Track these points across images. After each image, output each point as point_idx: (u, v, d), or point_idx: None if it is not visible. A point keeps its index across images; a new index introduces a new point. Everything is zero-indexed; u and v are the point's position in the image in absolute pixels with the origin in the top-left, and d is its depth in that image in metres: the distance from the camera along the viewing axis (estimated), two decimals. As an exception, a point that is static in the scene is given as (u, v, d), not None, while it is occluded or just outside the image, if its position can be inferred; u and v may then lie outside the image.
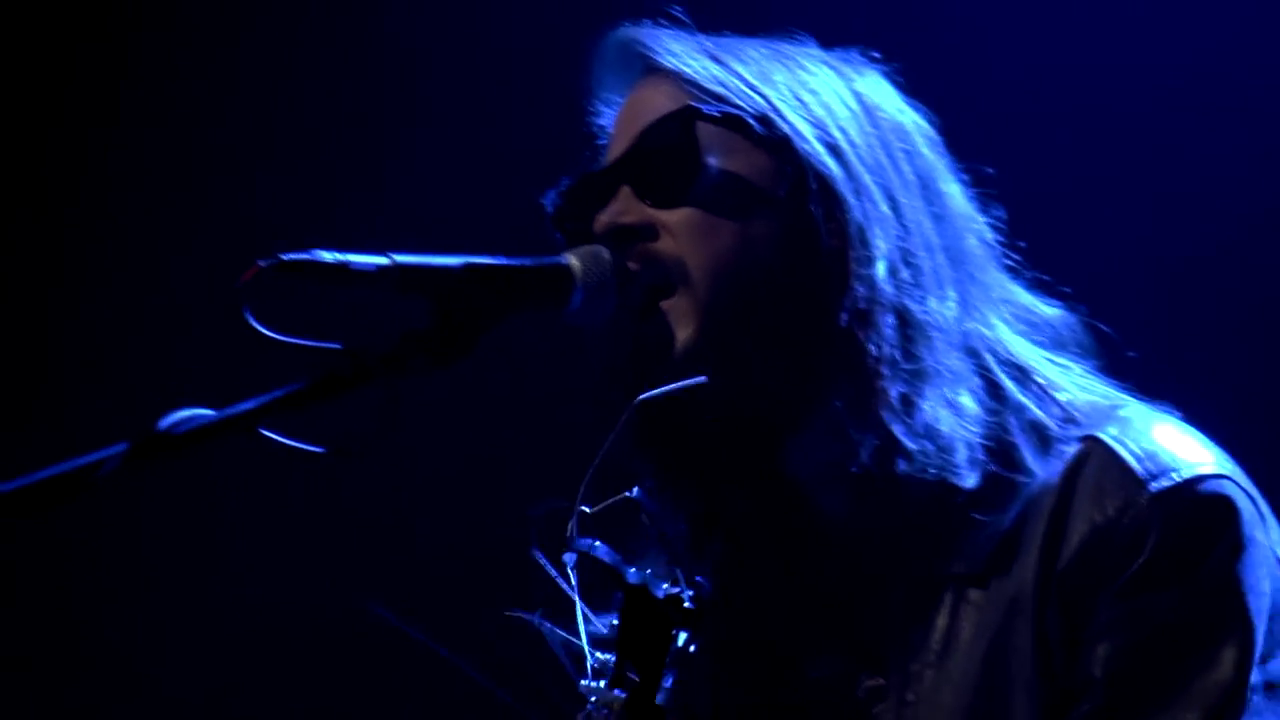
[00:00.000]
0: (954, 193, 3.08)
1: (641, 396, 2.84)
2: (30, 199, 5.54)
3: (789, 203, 2.96)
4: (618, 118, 3.14)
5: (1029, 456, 2.93)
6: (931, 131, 3.12)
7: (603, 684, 2.52)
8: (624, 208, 3.01)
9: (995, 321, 3.03)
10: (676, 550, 2.56)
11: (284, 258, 2.73)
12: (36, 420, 5.29)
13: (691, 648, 2.47)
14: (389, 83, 5.48)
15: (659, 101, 3.05)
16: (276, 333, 2.75)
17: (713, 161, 2.99)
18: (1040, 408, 2.98)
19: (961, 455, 2.90)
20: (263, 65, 5.53)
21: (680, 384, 2.85)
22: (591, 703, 2.53)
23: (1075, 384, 3.04)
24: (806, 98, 3.02)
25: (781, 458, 2.94)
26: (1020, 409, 2.97)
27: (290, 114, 5.49)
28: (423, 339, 2.81)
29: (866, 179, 2.97)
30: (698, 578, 2.52)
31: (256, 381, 2.76)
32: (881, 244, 2.94)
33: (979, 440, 2.92)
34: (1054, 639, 2.85)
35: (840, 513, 2.95)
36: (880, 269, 2.92)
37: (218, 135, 5.51)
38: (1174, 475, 2.87)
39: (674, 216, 2.98)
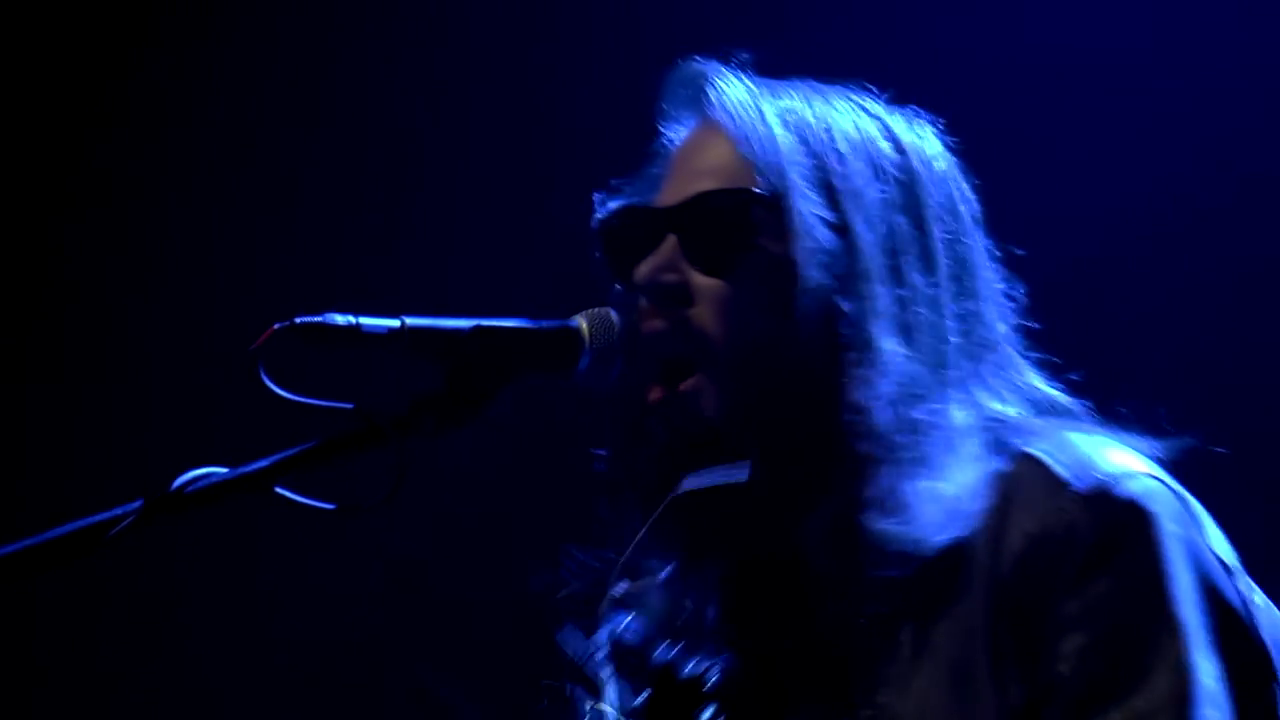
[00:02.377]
0: (987, 278, 3.12)
1: (684, 488, 2.91)
2: (47, 256, 5.59)
3: (810, 297, 2.99)
4: (678, 154, 3.17)
5: (969, 478, 2.98)
6: (976, 205, 3.15)
7: None
8: (667, 263, 3.04)
9: (1003, 409, 3.07)
10: (702, 627, 2.59)
11: (298, 321, 2.79)
12: (51, 477, 5.35)
13: None
14: (404, 141, 5.53)
15: (719, 159, 3.08)
16: (291, 392, 2.80)
17: (758, 243, 3.02)
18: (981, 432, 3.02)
19: (938, 527, 2.95)
20: (281, 124, 5.58)
21: (723, 479, 2.91)
22: None
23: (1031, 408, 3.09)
24: (837, 182, 3.04)
25: (790, 534, 2.99)
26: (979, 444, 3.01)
27: (309, 171, 5.55)
28: (433, 401, 2.86)
29: (882, 285, 3.00)
30: (722, 654, 2.55)
31: (270, 441, 2.82)
32: (887, 347, 2.97)
33: (958, 507, 2.97)
34: (1008, 653, 2.87)
35: (826, 569, 2.99)
36: (879, 375, 2.96)
37: (238, 192, 5.57)
38: (1097, 475, 2.91)
39: (713, 287, 3.02)
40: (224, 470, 2.76)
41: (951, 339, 3.03)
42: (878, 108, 3.16)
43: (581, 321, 3.00)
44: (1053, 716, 2.84)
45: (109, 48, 5.62)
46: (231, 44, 5.60)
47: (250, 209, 5.57)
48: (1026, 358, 3.14)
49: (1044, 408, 3.11)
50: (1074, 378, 3.15)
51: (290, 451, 2.79)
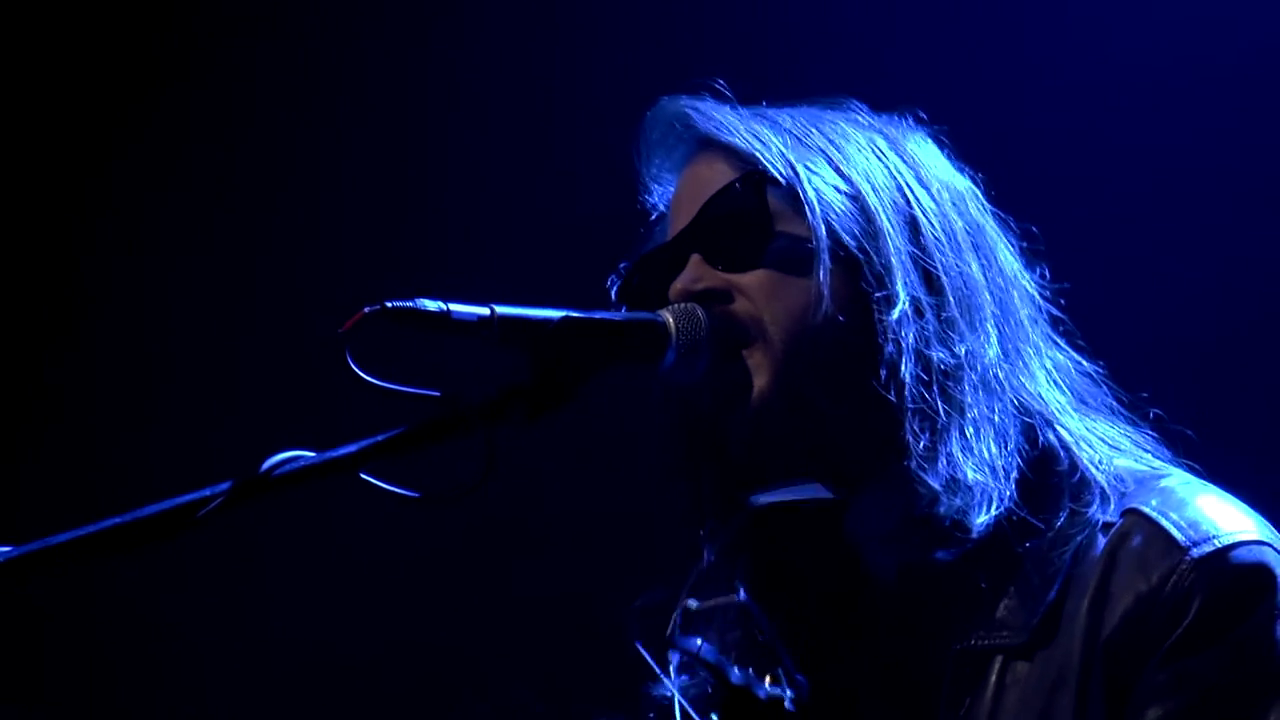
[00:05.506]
0: (1001, 250, 3.13)
1: (760, 500, 2.92)
2: (138, 241, 5.57)
3: (835, 264, 3.00)
4: (677, 193, 3.19)
5: (1075, 530, 2.97)
6: (979, 192, 3.17)
7: None
8: (697, 274, 3.06)
9: (1036, 371, 3.06)
10: (778, 648, 2.56)
11: (388, 305, 2.76)
12: (141, 459, 5.33)
13: None
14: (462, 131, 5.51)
15: (720, 171, 3.10)
16: (377, 378, 2.77)
17: (780, 225, 3.04)
18: (1086, 480, 3.02)
19: (983, 503, 2.94)
20: (379, 110, 5.56)
21: (800, 495, 2.91)
22: None
23: (1114, 449, 3.08)
24: (837, 158, 3.07)
25: (843, 519, 2.97)
26: (1065, 477, 3.02)
27: (401, 155, 5.52)
28: (520, 391, 2.83)
29: (895, 238, 3.02)
30: (798, 676, 2.52)
31: (353, 426, 2.79)
32: (902, 293, 2.98)
33: (1009, 493, 2.97)
34: (1096, 709, 2.87)
35: (888, 576, 2.99)
36: (896, 314, 2.97)
37: (332, 175, 5.54)
38: (1215, 542, 2.91)
39: (747, 279, 3.03)
40: (311, 454, 2.73)
41: (977, 296, 3.05)
42: (875, 120, 3.19)
43: (668, 316, 2.98)
44: None
45: (143, 38, 5.60)
46: (268, 36, 5.58)
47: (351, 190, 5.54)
48: (1055, 335, 3.15)
49: (1069, 383, 3.11)
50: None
51: (377, 437, 2.76)
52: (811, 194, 3.02)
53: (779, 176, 3.04)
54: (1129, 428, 3.13)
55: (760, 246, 3.04)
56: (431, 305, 2.78)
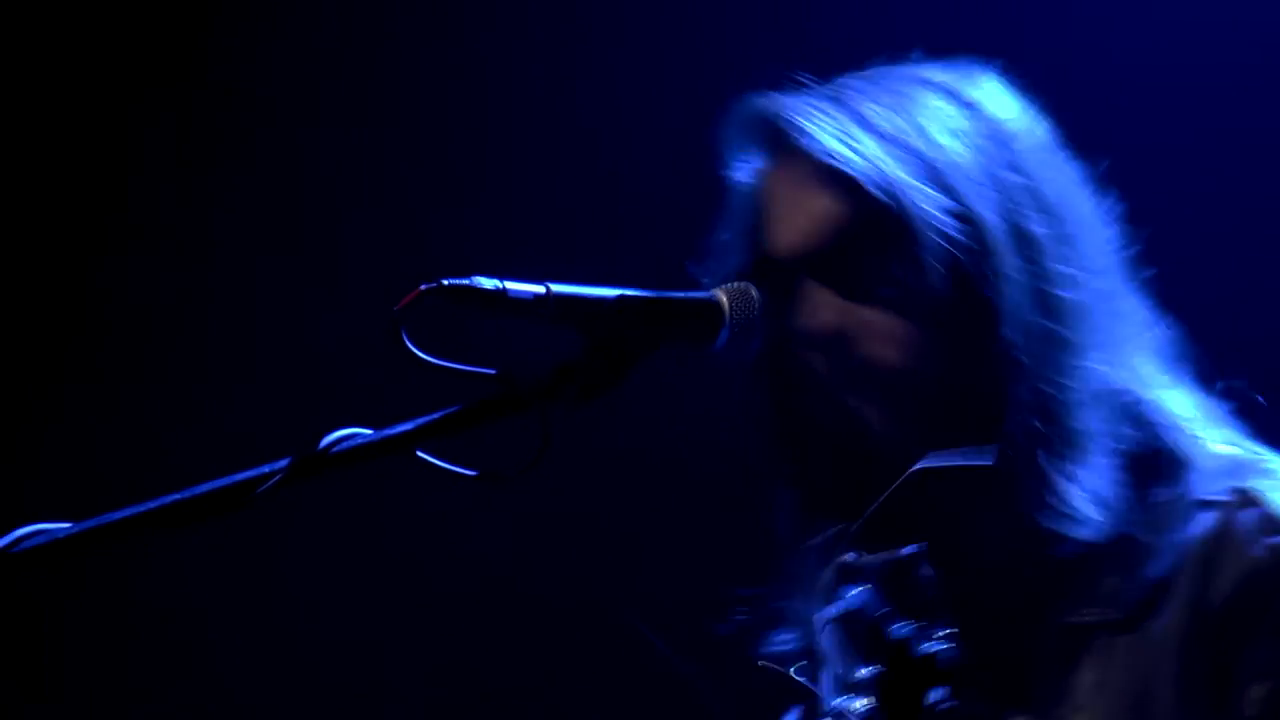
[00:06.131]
0: (1087, 214, 3.08)
1: (921, 464, 2.91)
2: (190, 218, 5.56)
3: (945, 297, 2.98)
4: (772, 196, 3.12)
5: (1180, 508, 2.98)
6: (1078, 166, 3.12)
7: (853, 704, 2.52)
8: (815, 305, 3.02)
9: (1137, 364, 3.05)
10: (936, 607, 2.56)
11: (445, 282, 2.75)
12: (194, 439, 5.33)
13: (942, 706, 2.47)
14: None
15: (822, 193, 3.04)
16: (432, 356, 2.76)
17: (892, 261, 3.00)
18: (1188, 457, 3.02)
19: (1096, 515, 2.94)
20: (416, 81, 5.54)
21: (962, 460, 2.91)
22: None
23: (1211, 427, 3.08)
24: (945, 171, 3.02)
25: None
26: (1167, 455, 3.02)
27: (450, 133, 5.51)
28: (576, 369, 2.82)
29: (1007, 256, 2.98)
30: (953, 638, 2.51)
31: (405, 405, 2.78)
32: (1030, 330, 2.96)
33: (1123, 494, 2.97)
34: (1201, 683, 2.88)
35: (991, 556, 2.99)
36: (1026, 358, 2.95)
37: (378, 155, 5.53)
38: None
39: (864, 314, 3.00)
40: (368, 432, 2.72)
41: (1092, 314, 3.01)
42: (956, 84, 3.12)
43: (721, 295, 2.97)
44: None
45: (179, 23, 5.59)
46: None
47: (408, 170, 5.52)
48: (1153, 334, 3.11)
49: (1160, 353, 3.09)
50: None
51: (433, 415, 2.75)
52: (919, 220, 2.97)
53: (885, 205, 2.99)
54: (1215, 403, 3.12)
55: (876, 281, 3.01)
56: (488, 283, 2.77)
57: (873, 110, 3.06)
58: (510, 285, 2.79)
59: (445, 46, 5.48)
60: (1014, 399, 2.94)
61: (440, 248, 5.29)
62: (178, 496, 2.60)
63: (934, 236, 2.96)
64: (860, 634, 2.54)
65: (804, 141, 3.04)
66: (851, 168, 3.00)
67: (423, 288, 2.74)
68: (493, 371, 2.78)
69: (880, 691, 2.47)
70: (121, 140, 5.57)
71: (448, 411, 2.75)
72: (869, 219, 3.00)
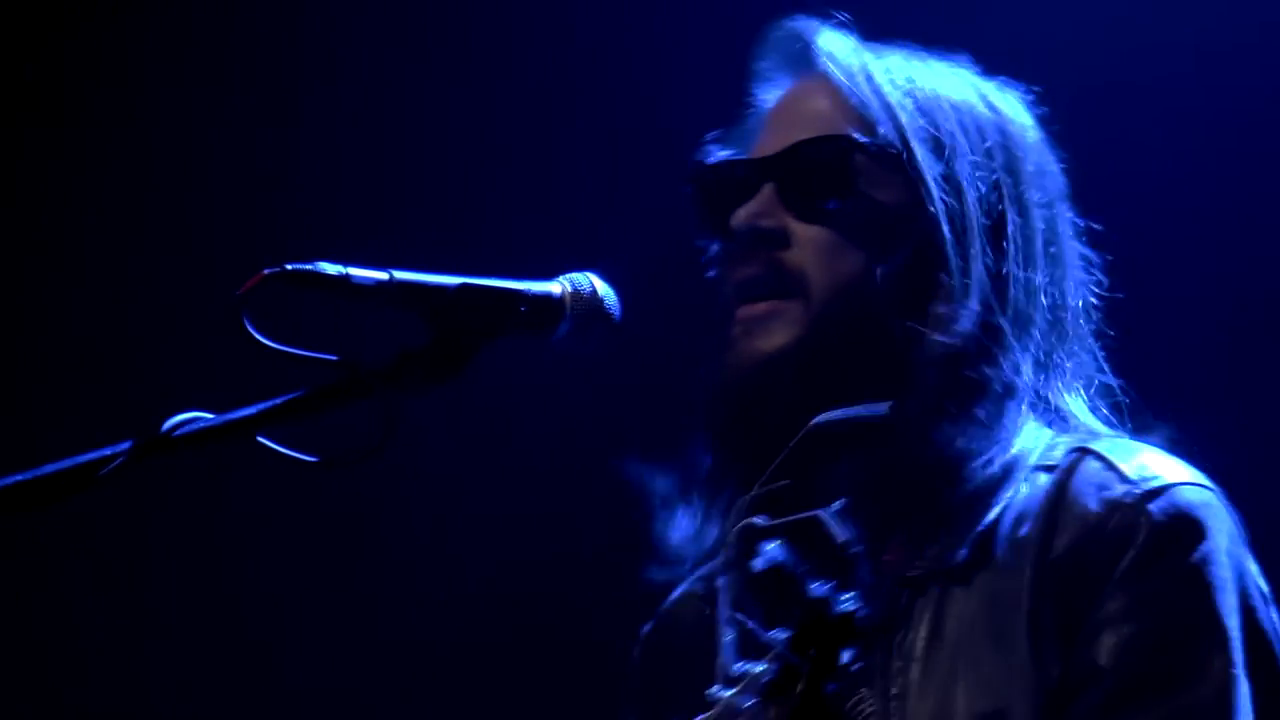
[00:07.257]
0: (1072, 249, 3.21)
1: (820, 419, 2.96)
2: (29, 199, 5.53)
3: (911, 245, 3.08)
4: (776, 108, 3.25)
5: (1020, 464, 3.07)
6: (1064, 178, 3.24)
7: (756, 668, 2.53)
8: (765, 209, 3.12)
9: (1068, 397, 3.16)
10: (853, 564, 2.60)
11: (288, 267, 2.78)
12: (35, 421, 5.31)
13: (854, 666, 2.48)
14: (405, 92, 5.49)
15: (819, 109, 3.17)
16: (274, 341, 2.78)
17: (859, 190, 3.11)
18: (1039, 425, 3.12)
19: (981, 485, 3.04)
20: (274, 67, 5.53)
21: (864, 412, 2.96)
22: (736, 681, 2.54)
23: (1080, 411, 3.18)
24: (945, 139, 3.14)
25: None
26: (1016, 420, 3.10)
27: (300, 117, 5.50)
28: (418, 356, 2.86)
29: (979, 242, 3.09)
30: (866, 594, 2.53)
31: (254, 389, 2.80)
32: (976, 306, 3.06)
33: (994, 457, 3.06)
34: (1049, 632, 2.94)
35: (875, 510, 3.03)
36: (960, 328, 3.04)
37: (226, 138, 5.51)
38: (1163, 479, 3.01)
39: (809, 231, 3.11)
40: (211, 416, 2.74)
41: (1037, 306, 3.11)
42: (973, 75, 3.26)
43: (564, 285, 3.01)
44: (1089, 702, 2.90)
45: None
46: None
47: (245, 150, 5.50)
48: (1094, 338, 3.22)
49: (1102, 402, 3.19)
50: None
51: (275, 401, 2.78)
52: (916, 170, 3.08)
53: (872, 143, 3.11)
54: (1101, 401, 3.21)
55: (833, 204, 3.11)
56: (331, 269, 2.80)
57: (903, 66, 3.20)
58: (353, 271, 2.82)
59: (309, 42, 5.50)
60: (922, 363, 3.02)
61: (288, 234, 5.32)
62: (19, 478, 2.61)
63: (924, 195, 3.07)
64: (775, 592, 2.55)
65: (821, 57, 3.18)
66: (866, 104, 3.13)
67: (265, 272, 2.76)
68: (334, 358, 2.80)
69: (795, 651, 2.48)
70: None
71: (290, 396, 2.78)
72: (848, 143, 3.11)
